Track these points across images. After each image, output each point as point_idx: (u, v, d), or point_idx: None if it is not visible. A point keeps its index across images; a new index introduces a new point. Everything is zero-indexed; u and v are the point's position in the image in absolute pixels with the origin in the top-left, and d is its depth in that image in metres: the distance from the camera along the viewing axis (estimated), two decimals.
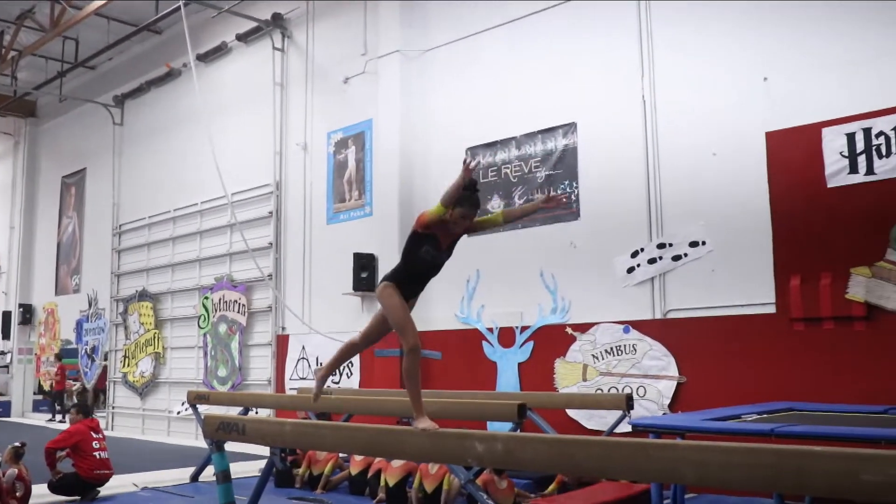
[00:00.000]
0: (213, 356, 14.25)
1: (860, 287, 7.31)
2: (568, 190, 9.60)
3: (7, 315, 20.74)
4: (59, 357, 18.58)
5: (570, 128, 9.69)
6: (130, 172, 17.06)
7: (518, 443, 3.63)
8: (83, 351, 18.18)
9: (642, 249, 8.90)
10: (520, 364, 9.81)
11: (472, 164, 4.21)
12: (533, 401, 7.61)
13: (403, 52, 11.29)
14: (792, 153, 7.83)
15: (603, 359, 9.07)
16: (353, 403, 8.15)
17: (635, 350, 8.80)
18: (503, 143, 10.35)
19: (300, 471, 8.93)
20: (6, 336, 20.74)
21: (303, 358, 12.43)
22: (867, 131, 7.39)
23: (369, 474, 8.21)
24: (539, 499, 7.42)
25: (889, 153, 7.26)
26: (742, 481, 2.88)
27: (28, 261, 20.74)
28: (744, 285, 8.08)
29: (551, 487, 7.77)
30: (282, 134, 13.43)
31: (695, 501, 7.42)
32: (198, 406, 9.73)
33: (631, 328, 8.89)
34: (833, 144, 7.57)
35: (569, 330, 9.40)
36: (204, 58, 14.83)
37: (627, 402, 7.66)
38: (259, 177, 13.64)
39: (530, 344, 9.75)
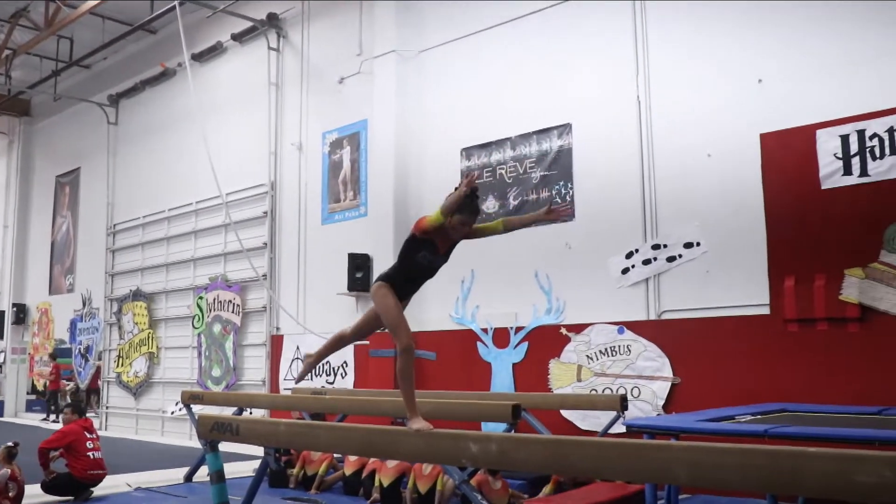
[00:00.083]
0: (207, 356, 14.23)
1: (854, 288, 7.33)
2: (563, 191, 9.61)
3: (0, 314, 20.67)
4: (53, 356, 18.53)
5: (565, 129, 9.70)
6: (125, 172, 17.02)
7: (512, 443, 3.63)
8: (77, 351, 18.13)
9: (637, 250, 8.91)
10: (514, 365, 9.82)
11: (475, 176, 4.22)
12: (527, 401, 7.62)
13: (399, 52, 11.28)
14: (786, 154, 7.85)
15: (597, 359, 9.07)
16: (347, 404, 8.14)
17: (630, 351, 8.81)
18: (498, 144, 10.36)
19: (294, 471, 8.93)
20: None
21: (297, 358, 12.41)
22: (861, 133, 7.41)
23: (364, 475, 8.21)
24: (535, 499, 7.43)
25: (883, 155, 7.28)
26: (736, 482, 2.89)
27: (22, 260, 20.67)
28: (738, 286, 8.09)
29: (548, 488, 7.77)
30: (277, 134, 13.42)
31: (689, 502, 7.42)
32: (192, 406, 9.70)
33: (625, 329, 8.89)
34: (827, 146, 7.59)
35: (563, 331, 9.40)
36: (199, 57, 14.80)
37: (622, 403, 7.67)
38: (254, 177, 13.62)
39: (525, 344, 9.75)
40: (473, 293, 10.36)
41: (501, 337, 9.99)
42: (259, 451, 8.61)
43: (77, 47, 17.15)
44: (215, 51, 14.71)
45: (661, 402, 8.48)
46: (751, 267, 7.99)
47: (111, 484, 8.62)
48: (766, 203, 7.96)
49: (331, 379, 11.85)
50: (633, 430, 5.84)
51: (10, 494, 7.31)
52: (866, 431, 4.89)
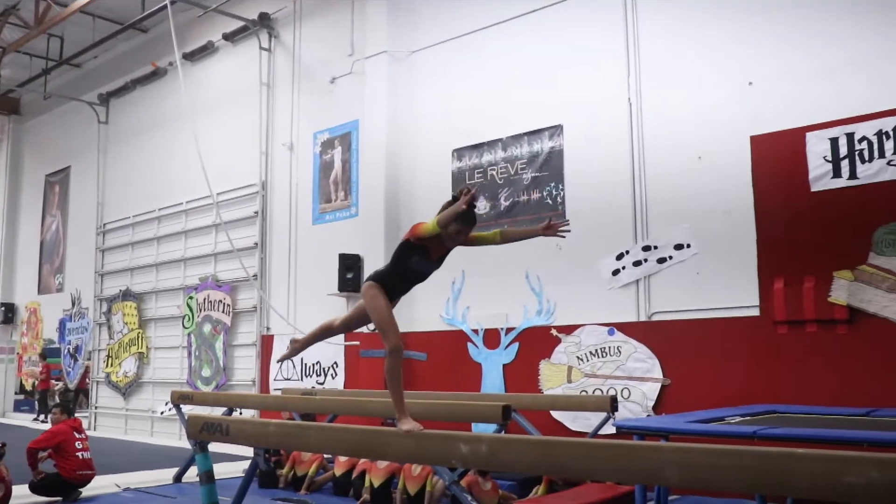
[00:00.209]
0: (197, 356, 14.19)
1: (843, 290, 7.37)
2: (554, 192, 9.63)
3: None
4: (43, 356, 18.44)
5: (556, 130, 9.72)
6: (115, 171, 16.96)
7: (502, 444, 3.63)
8: (66, 350, 18.05)
9: (627, 252, 8.93)
10: (505, 365, 9.82)
11: (474, 192, 4.21)
12: (517, 402, 7.63)
13: (390, 52, 11.28)
14: (776, 157, 7.88)
15: (588, 360, 9.09)
16: (337, 404, 8.14)
17: (620, 352, 8.83)
18: (489, 145, 10.36)
19: (284, 471, 8.91)
20: None
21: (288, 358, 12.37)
22: (850, 136, 7.44)
23: (354, 475, 8.20)
24: (525, 500, 7.43)
25: (872, 158, 7.32)
26: (726, 483, 2.90)
27: (10, 259, 20.57)
28: (728, 288, 8.12)
29: (540, 489, 7.78)
30: (268, 134, 13.40)
31: (678, 503, 7.44)
32: (181, 406, 9.68)
33: (616, 330, 8.91)
34: (817, 149, 7.63)
35: (554, 332, 9.41)
36: (190, 57, 14.76)
37: (612, 404, 7.69)
38: (245, 177, 13.59)
39: (515, 345, 9.76)
40: (464, 294, 10.36)
41: (492, 338, 10.00)
42: (249, 451, 8.57)
43: (67, 46, 17.10)
44: (206, 50, 14.68)
45: (651, 404, 8.50)
46: (741, 269, 8.02)
47: (100, 484, 8.58)
48: (755, 205, 7.98)
49: (321, 379, 11.84)
50: (623, 432, 5.85)
51: None
52: (855, 433, 4.91)
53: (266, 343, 12.91)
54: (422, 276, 4.47)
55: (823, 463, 2.62)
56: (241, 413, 10.65)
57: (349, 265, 11.21)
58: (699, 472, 2.91)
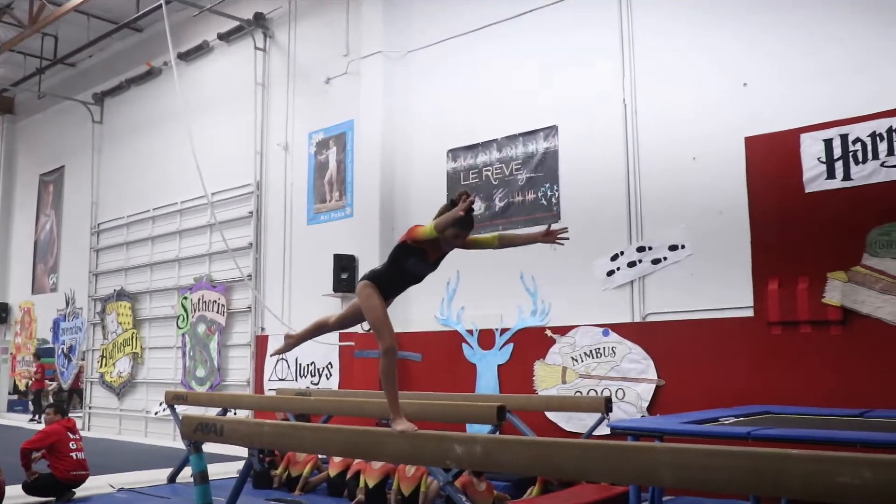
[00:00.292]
0: (191, 356, 14.16)
1: (837, 291, 7.38)
2: (549, 193, 9.63)
3: None
4: (37, 356, 18.38)
5: (551, 131, 9.72)
6: (109, 171, 16.92)
7: (497, 445, 3.64)
8: (60, 350, 18.00)
9: (622, 253, 8.94)
10: (499, 366, 9.82)
11: (473, 198, 4.21)
12: (512, 403, 7.61)
13: (386, 53, 11.27)
14: (771, 158, 7.90)
15: (582, 361, 9.09)
16: (332, 404, 8.13)
17: (614, 353, 8.84)
18: (484, 146, 10.36)
19: (278, 472, 8.90)
20: None
21: (282, 359, 12.38)
22: (844, 137, 7.46)
23: (348, 476, 8.18)
24: (520, 501, 7.43)
25: (866, 159, 7.34)
26: (720, 484, 2.91)
27: (4, 259, 20.50)
28: (722, 289, 8.13)
29: (535, 489, 7.78)
30: (263, 134, 13.38)
31: (672, 503, 7.45)
32: (176, 406, 9.66)
33: (610, 331, 8.92)
34: (811, 150, 7.64)
35: (548, 332, 9.42)
36: (185, 56, 14.74)
37: (606, 405, 7.70)
38: (239, 177, 13.58)
39: (510, 346, 9.76)
40: (459, 294, 10.36)
41: (486, 338, 10.00)
42: (243, 452, 8.60)
43: (62, 45, 17.03)
44: (201, 50, 14.65)
45: (646, 404, 8.51)
46: (735, 270, 8.03)
47: (94, 485, 8.56)
48: (750, 206, 8.00)
49: (315, 380, 11.83)
50: (618, 432, 5.85)
51: None
52: (848, 433, 4.93)
53: (260, 343, 12.89)
54: (418, 278, 4.47)
55: (817, 464, 2.63)
56: (235, 413, 10.65)
57: (344, 265, 11.20)
58: (694, 473, 2.92)
